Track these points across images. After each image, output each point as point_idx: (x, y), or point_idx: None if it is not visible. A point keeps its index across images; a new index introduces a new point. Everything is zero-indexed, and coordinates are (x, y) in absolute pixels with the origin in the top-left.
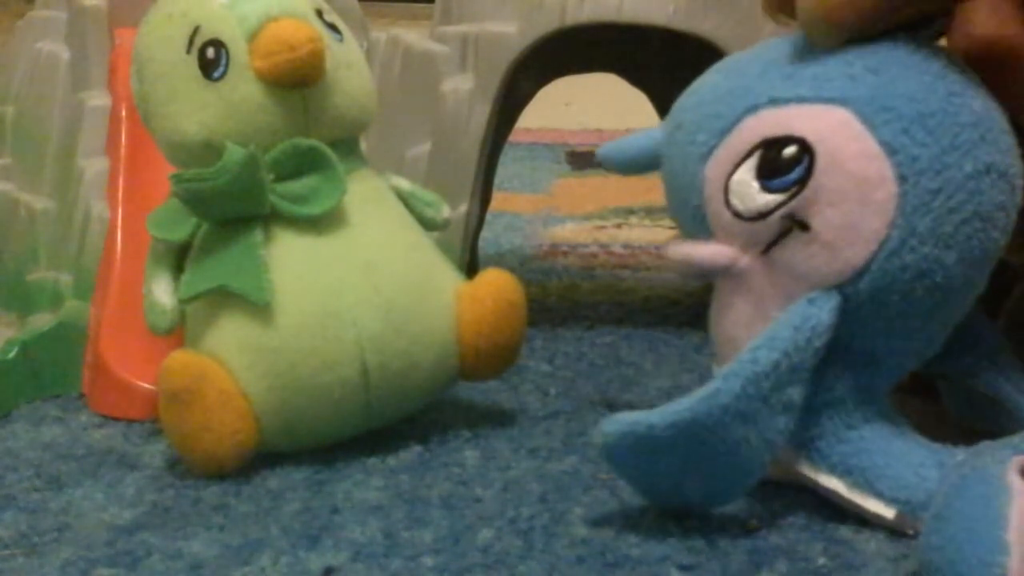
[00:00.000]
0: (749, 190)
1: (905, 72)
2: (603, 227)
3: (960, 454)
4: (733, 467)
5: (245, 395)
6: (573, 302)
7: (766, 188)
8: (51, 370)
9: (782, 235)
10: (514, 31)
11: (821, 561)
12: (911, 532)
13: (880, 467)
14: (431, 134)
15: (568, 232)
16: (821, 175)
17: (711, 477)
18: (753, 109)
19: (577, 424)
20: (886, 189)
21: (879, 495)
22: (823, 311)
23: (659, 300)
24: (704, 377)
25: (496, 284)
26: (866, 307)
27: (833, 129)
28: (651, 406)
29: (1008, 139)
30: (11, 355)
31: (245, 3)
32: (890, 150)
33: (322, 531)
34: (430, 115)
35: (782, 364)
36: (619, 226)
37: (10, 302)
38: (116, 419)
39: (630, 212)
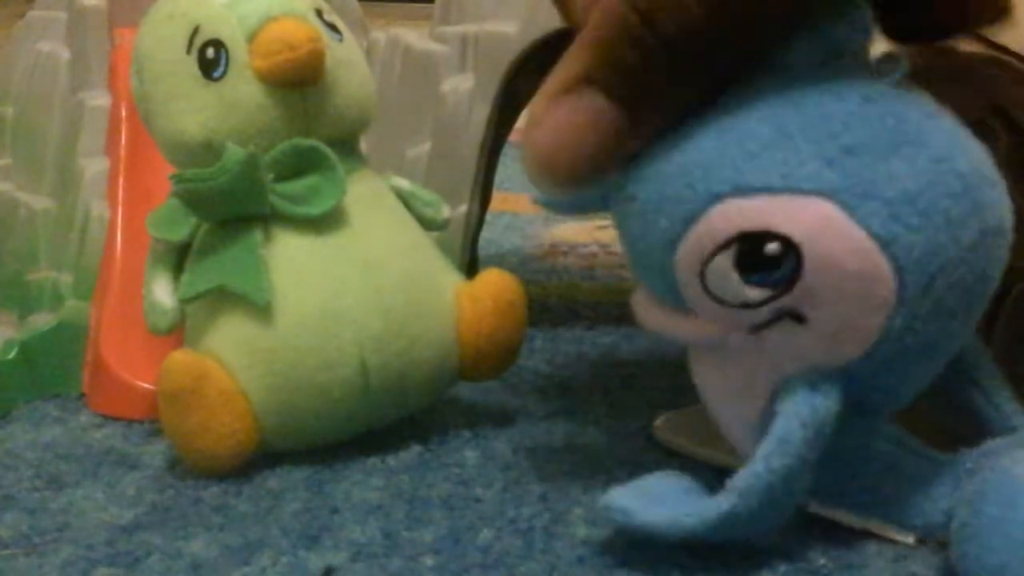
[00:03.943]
0: (731, 281)
1: (883, 144)
2: (603, 227)
3: (968, 461)
4: (742, 540)
5: (245, 395)
6: (573, 302)
7: (749, 282)
8: (51, 370)
9: (773, 320)
10: (514, 31)
11: (821, 561)
12: (933, 543)
13: (891, 498)
14: (431, 134)
15: (568, 232)
16: (812, 276)
17: (717, 545)
18: (718, 197)
19: (577, 424)
20: (884, 284)
21: (894, 523)
22: (829, 400)
23: None
24: None
25: (496, 284)
26: (866, 379)
27: (818, 227)
28: (651, 406)
29: (998, 190)
30: (11, 355)
31: (245, 3)
32: (883, 242)
33: (322, 531)
34: (430, 115)
35: (796, 467)
36: None
37: (10, 302)
38: (116, 419)
39: None
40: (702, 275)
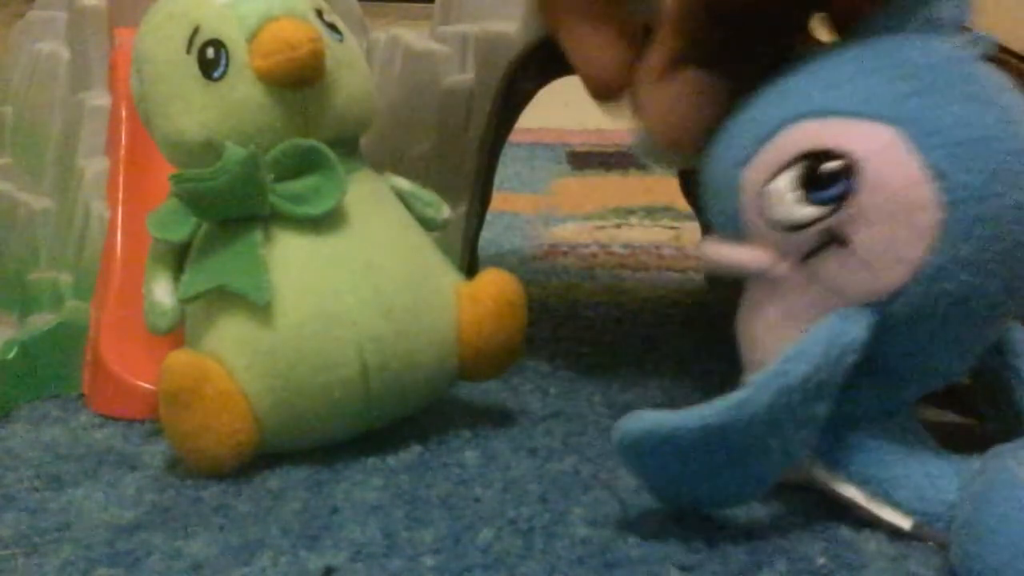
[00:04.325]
0: (787, 201)
1: (954, 95)
2: (603, 227)
3: (976, 463)
4: (748, 474)
5: (245, 395)
6: (573, 302)
7: (805, 200)
8: (51, 370)
9: (820, 247)
10: (514, 31)
11: (821, 561)
12: (928, 542)
13: (898, 478)
14: (431, 134)
15: (568, 232)
16: (864, 195)
17: (724, 483)
18: (794, 118)
19: (577, 424)
20: (930, 214)
21: (896, 505)
22: (856, 328)
23: (659, 300)
24: (704, 376)
25: (496, 284)
26: (900, 327)
27: (880, 149)
28: (651, 406)
29: None
30: (11, 355)
31: (245, 3)
32: (937, 174)
33: (322, 531)
34: (430, 115)
35: (812, 379)
36: (619, 226)
37: (10, 302)
38: (116, 419)
39: (630, 212)
40: (762, 196)
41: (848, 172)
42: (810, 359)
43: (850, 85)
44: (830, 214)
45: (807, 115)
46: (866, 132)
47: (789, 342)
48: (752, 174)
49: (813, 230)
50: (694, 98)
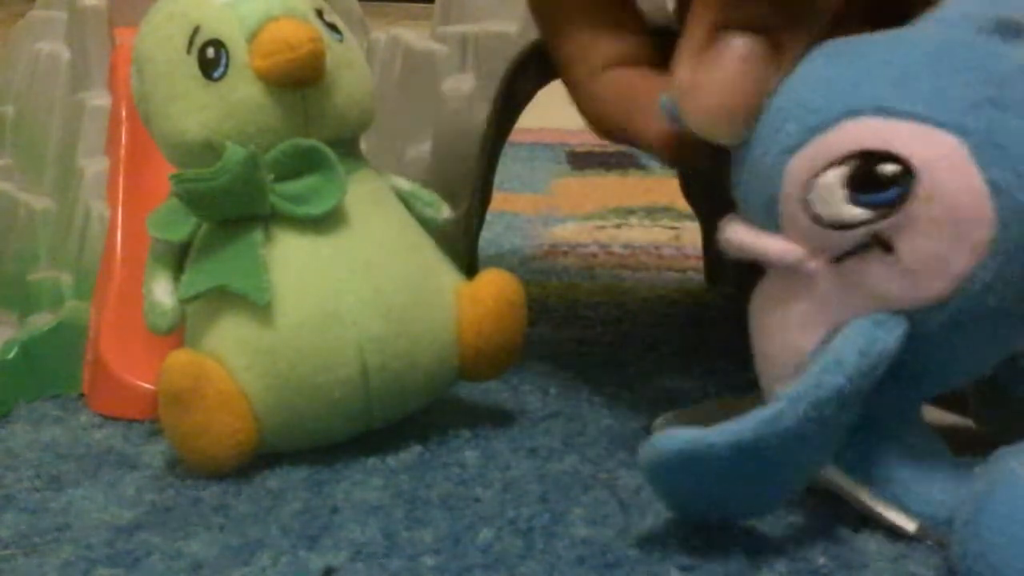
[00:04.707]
0: (834, 198)
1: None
2: (603, 227)
3: (980, 465)
4: (777, 484)
5: (245, 395)
6: (573, 302)
7: (854, 201)
8: (51, 370)
9: (860, 249)
10: (514, 31)
11: (821, 561)
12: (931, 543)
13: (907, 480)
14: (431, 134)
15: (568, 232)
16: (919, 203)
17: (752, 494)
18: (856, 112)
19: (577, 424)
20: (984, 231)
21: (902, 508)
22: (891, 337)
23: (659, 300)
24: (705, 376)
25: (496, 284)
26: (933, 336)
27: (941, 158)
28: (652, 406)
29: None
30: (11, 355)
31: (245, 3)
32: (996, 190)
33: (322, 531)
34: (430, 115)
35: (845, 390)
36: (619, 226)
37: (10, 302)
38: (116, 419)
39: (630, 212)
40: (807, 188)
41: (904, 177)
42: (844, 371)
43: (919, 84)
44: (880, 218)
45: (869, 111)
46: (929, 138)
47: (810, 339)
48: (801, 163)
49: (858, 232)
50: (742, 68)
